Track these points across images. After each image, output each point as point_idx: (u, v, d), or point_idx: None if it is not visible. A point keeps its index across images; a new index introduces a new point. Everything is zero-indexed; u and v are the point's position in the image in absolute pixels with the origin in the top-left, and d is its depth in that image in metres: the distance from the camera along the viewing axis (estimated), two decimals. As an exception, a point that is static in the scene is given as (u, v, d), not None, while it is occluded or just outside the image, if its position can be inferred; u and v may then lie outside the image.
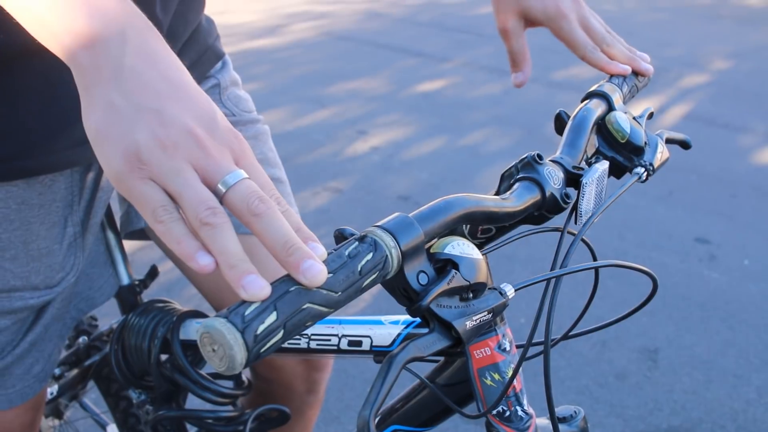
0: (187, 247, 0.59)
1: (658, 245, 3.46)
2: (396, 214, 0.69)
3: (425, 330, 0.74)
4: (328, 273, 0.60)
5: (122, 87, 0.61)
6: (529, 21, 1.16)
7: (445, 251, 0.74)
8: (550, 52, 6.85)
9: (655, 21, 8.63)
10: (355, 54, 6.78)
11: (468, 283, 0.73)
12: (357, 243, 0.65)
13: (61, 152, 1.04)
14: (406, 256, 0.67)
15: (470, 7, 8.84)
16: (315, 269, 0.59)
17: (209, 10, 1.25)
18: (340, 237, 0.69)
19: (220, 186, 0.60)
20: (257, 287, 0.57)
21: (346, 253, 0.63)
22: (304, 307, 0.59)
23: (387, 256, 0.65)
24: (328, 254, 0.63)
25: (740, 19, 8.94)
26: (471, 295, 0.75)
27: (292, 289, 0.59)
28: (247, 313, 0.56)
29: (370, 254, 0.64)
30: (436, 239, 0.74)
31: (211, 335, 0.56)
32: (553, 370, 2.54)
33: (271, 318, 0.57)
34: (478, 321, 0.74)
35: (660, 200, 3.92)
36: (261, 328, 0.56)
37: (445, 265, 0.73)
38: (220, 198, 0.60)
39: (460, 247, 0.74)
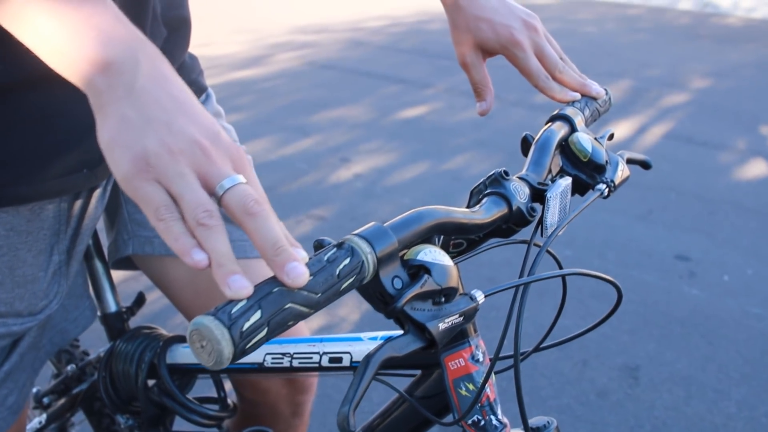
0: (184, 244, 0.64)
1: (639, 263, 3.51)
2: (372, 223, 0.73)
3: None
4: (309, 276, 0.65)
5: (134, 103, 0.67)
6: (486, 51, 1.19)
7: (418, 258, 0.77)
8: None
9: (636, 42, 8.72)
10: (338, 82, 6.83)
11: (440, 288, 0.77)
12: (335, 249, 0.69)
13: (53, 180, 1.06)
14: (382, 261, 0.71)
15: (451, 34, 8.91)
16: (298, 270, 0.64)
17: (194, 42, 1.29)
18: (319, 246, 0.73)
19: (218, 188, 0.66)
20: (240, 286, 0.63)
21: (326, 258, 0.68)
22: (287, 306, 0.63)
23: (363, 261, 0.69)
24: (309, 259, 0.67)
25: (719, 39, 9.05)
26: (443, 299, 0.78)
27: (275, 290, 0.63)
28: (233, 311, 0.61)
29: (348, 259, 0.68)
30: (409, 248, 0.78)
31: (200, 331, 0.60)
32: (534, 389, 2.58)
33: (256, 316, 0.61)
34: (450, 323, 0.77)
35: (640, 219, 3.97)
36: (246, 325, 0.60)
37: (418, 271, 0.77)
38: (219, 199, 0.66)
39: (432, 254, 0.78)
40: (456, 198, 4.18)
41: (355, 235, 0.71)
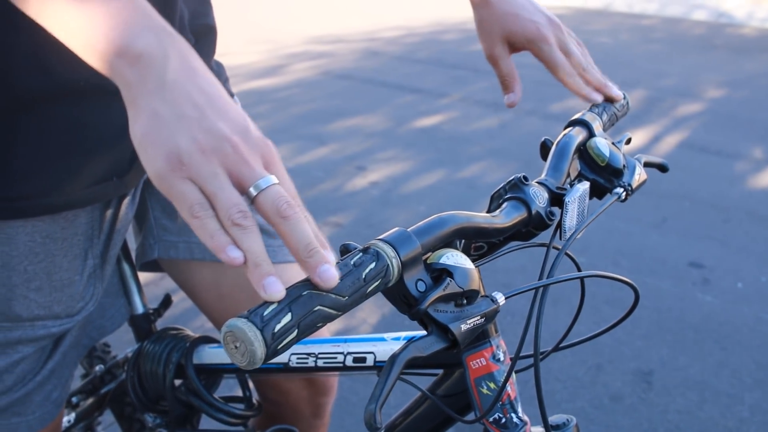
0: (219, 241, 0.66)
1: (653, 270, 3.53)
2: (396, 228, 0.75)
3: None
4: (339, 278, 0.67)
5: (165, 97, 0.67)
6: (513, 46, 1.22)
7: (441, 261, 0.79)
8: (546, 85, 6.94)
9: (650, 52, 8.72)
10: (354, 92, 6.87)
11: (462, 290, 0.78)
12: (361, 254, 0.71)
13: (83, 190, 1.09)
14: (406, 265, 0.73)
15: (466, 44, 8.95)
16: (330, 273, 0.66)
17: (213, 52, 1.30)
18: (345, 250, 0.75)
19: (252, 189, 0.67)
20: (275, 289, 0.65)
21: (352, 262, 0.70)
22: (315, 309, 0.66)
23: (388, 265, 0.71)
24: (336, 263, 0.69)
25: (734, 49, 9.04)
26: (465, 301, 0.79)
27: (305, 293, 0.66)
28: (265, 313, 0.63)
29: (373, 263, 0.70)
30: (432, 252, 0.80)
31: (234, 333, 0.62)
32: (549, 393, 2.61)
33: (287, 318, 0.64)
34: (471, 324, 0.79)
35: (654, 227, 4.00)
36: (278, 327, 0.63)
37: (440, 274, 0.78)
38: (252, 200, 0.67)
39: (454, 257, 0.80)
40: (471, 206, 4.20)
41: (380, 240, 0.73)
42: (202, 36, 1.23)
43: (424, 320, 0.78)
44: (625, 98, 1.22)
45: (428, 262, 0.80)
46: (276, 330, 0.63)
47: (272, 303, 0.64)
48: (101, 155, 1.09)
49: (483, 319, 0.81)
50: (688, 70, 7.75)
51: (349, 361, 1.10)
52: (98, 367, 1.62)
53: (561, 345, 1.04)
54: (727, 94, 6.81)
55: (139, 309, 1.46)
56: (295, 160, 4.95)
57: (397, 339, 1.08)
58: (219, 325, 1.44)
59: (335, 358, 1.11)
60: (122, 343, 1.80)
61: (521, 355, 0.94)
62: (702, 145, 5.32)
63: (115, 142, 1.09)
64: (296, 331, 0.64)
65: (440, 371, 1.05)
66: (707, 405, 2.59)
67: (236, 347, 0.63)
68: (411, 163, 4.93)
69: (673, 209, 4.23)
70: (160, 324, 1.49)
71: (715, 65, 8.07)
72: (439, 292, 0.76)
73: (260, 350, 0.62)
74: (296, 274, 1.41)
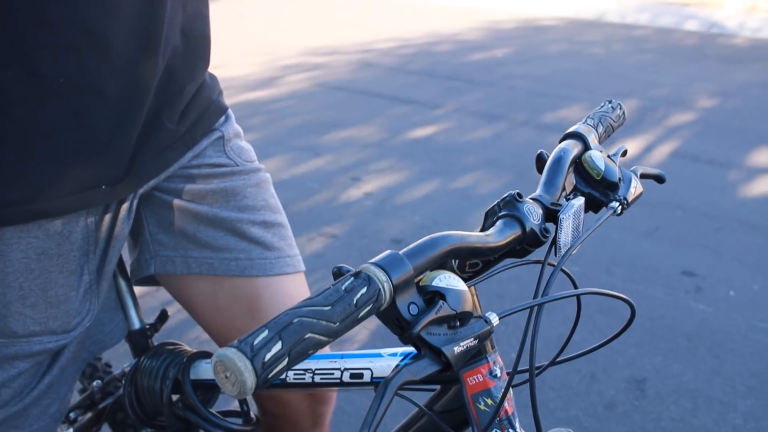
0: None
1: (646, 279, 3.55)
2: (388, 251, 0.75)
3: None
4: (327, 306, 0.67)
5: None
6: None
7: (433, 284, 0.79)
8: (540, 95, 6.99)
9: (642, 62, 8.75)
10: (349, 103, 6.89)
11: (455, 313, 0.79)
12: (352, 278, 0.71)
13: (69, 197, 1.10)
14: (398, 289, 0.73)
15: (460, 55, 8.97)
16: None
17: (208, 64, 1.32)
18: (338, 273, 0.76)
19: None
20: None
21: (343, 287, 0.70)
22: (306, 336, 0.65)
23: (380, 289, 0.71)
24: (326, 289, 0.69)
25: (725, 59, 9.07)
26: (458, 323, 0.80)
27: (296, 320, 0.65)
28: (255, 342, 0.63)
29: (365, 288, 0.70)
30: (425, 273, 0.81)
31: (224, 363, 0.62)
32: (543, 402, 2.62)
33: (277, 347, 0.63)
34: (465, 347, 0.80)
35: (647, 235, 4.02)
36: (268, 356, 0.63)
37: (433, 297, 0.79)
38: None
39: (447, 279, 0.80)
40: (465, 216, 4.23)
41: (372, 263, 0.73)
42: (195, 44, 1.23)
43: (417, 343, 0.79)
44: (621, 108, 1.21)
45: (421, 284, 0.80)
46: (266, 359, 0.63)
47: (263, 331, 0.64)
48: (87, 161, 1.10)
49: (476, 341, 0.81)
50: (681, 80, 7.78)
51: (346, 377, 1.11)
52: (96, 383, 1.63)
53: (557, 360, 1.05)
54: (719, 104, 6.84)
55: (136, 324, 1.46)
56: (289, 171, 4.97)
57: (394, 355, 1.08)
58: (217, 338, 1.46)
59: (332, 374, 1.12)
60: (118, 354, 1.82)
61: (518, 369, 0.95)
62: (694, 155, 5.35)
63: (100, 148, 1.10)
64: (287, 359, 0.64)
65: (438, 386, 1.05)
66: (700, 412, 2.60)
67: (227, 377, 0.63)
68: (405, 173, 4.95)
69: (665, 218, 4.25)
70: (156, 336, 1.50)
71: (707, 75, 8.10)
72: (431, 316, 0.77)
73: (250, 380, 0.62)
74: (292, 286, 1.43)
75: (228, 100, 1.40)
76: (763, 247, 3.92)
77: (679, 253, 3.83)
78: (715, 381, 2.79)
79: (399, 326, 0.77)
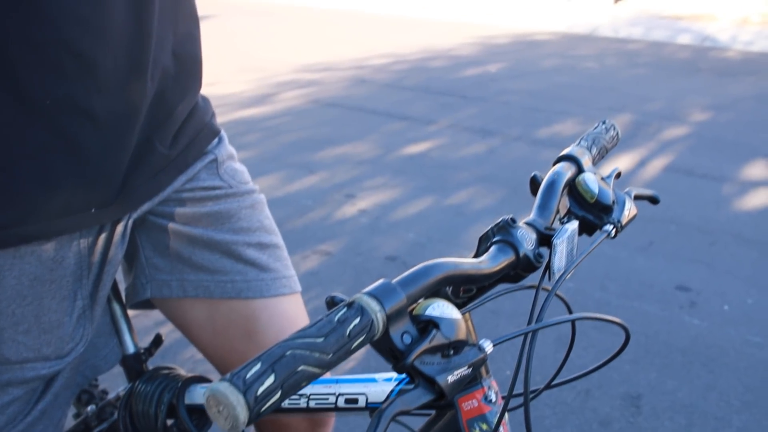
0: None
1: (640, 294, 3.55)
2: (381, 280, 0.75)
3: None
4: (320, 338, 0.67)
5: None
6: None
7: (427, 313, 0.79)
8: (534, 110, 7.01)
9: (636, 76, 8.79)
10: (343, 120, 6.90)
11: (448, 341, 0.79)
12: (345, 309, 0.71)
13: (59, 219, 1.10)
14: (391, 318, 0.73)
15: (454, 71, 9.00)
16: None
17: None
18: (331, 303, 0.76)
19: None
20: None
21: (336, 318, 0.69)
22: (299, 369, 0.65)
23: (373, 320, 0.71)
24: (320, 320, 0.69)
25: (718, 72, 9.11)
26: (452, 351, 0.80)
27: (288, 353, 0.65)
28: (248, 376, 0.63)
29: (358, 319, 0.70)
30: (419, 301, 0.80)
31: (216, 397, 0.62)
32: (538, 419, 2.62)
33: (270, 380, 0.63)
34: (458, 375, 0.80)
35: (641, 251, 4.03)
36: (261, 389, 0.62)
37: (426, 326, 0.78)
38: None
39: (441, 308, 0.80)
40: (459, 232, 4.23)
41: (365, 293, 0.73)
42: (186, 66, 1.23)
43: (411, 373, 0.79)
44: (615, 129, 1.21)
45: (414, 313, 0.80)
46: (259, 393, 0.63)
47: (255, 364, 0.64)
48: (76, 183, 1.09)
49: (470, 369, 0.81)
50: (674, 94, 7.81)
51: (341, 403, 1.10)
52: (90, 407, 1.62)
53: (552, 383, 1.05)
54: (712, 117, 6.86)
55: (130, 349, 1.46)
56: (284, 188, 4.97)
57: (389, 380, 1.07)
58: (214, 360, 1.45)
59: (327, 399, 1.11)
60: (113, 376, 1.81)
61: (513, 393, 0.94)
62: (688, 169, 5.36)
63: (89, 170, 1.10)
64: (280, 392, 0.64)
65: (433, 411, 1.04)
66: (696, 428, 2.60)
67: (219, 411, 0.63)
68: (400, 190, 4.95)
69: (659, 233, 4.26)
70: (150, 359, 1.49)
71: (700, 89, 8.13)
72: (425, 345, 0.77)
73: (243, 415, 0.62)
74: (289, 307, 1.43)
75: (222, 117, 1.40)
76: (757, 261, 3.93)
77: (674, 268, 3.83)
78: (710, 396, 2.79)
79: (393, 355, 0.77)
